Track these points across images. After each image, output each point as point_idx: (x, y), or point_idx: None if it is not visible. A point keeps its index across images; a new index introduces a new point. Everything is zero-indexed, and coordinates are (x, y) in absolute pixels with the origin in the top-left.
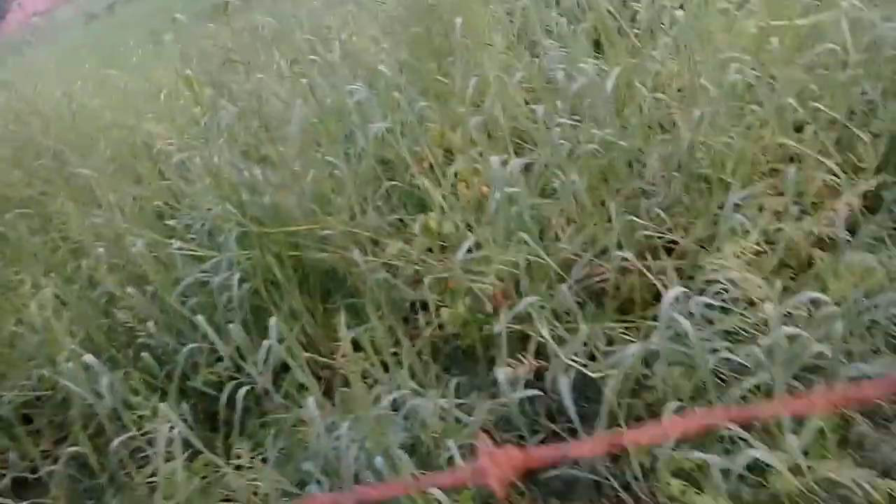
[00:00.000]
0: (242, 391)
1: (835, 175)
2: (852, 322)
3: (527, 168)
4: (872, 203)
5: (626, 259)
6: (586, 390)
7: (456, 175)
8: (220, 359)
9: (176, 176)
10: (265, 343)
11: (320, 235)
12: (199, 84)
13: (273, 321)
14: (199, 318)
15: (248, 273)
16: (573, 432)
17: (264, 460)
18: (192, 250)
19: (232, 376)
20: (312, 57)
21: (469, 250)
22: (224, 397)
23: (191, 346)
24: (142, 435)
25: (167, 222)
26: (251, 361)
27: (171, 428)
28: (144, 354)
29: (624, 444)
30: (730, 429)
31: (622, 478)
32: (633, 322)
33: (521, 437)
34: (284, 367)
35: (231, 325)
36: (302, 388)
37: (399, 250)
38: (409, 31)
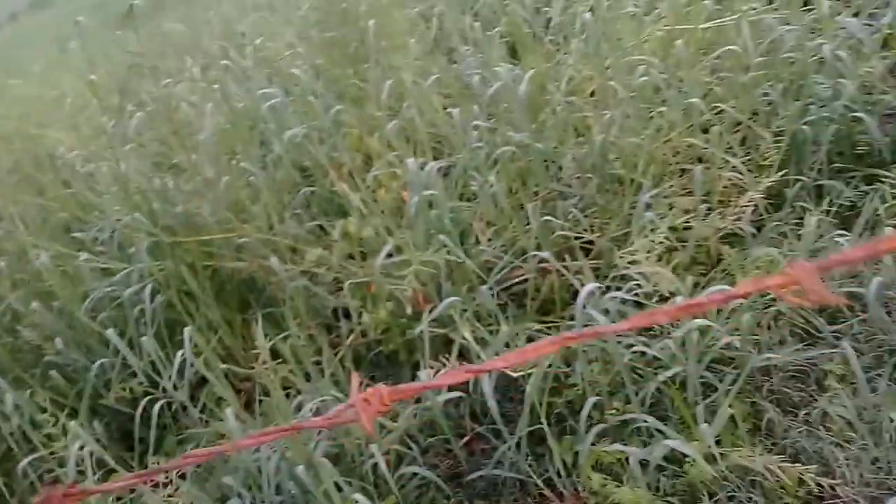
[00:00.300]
0: (157, 407)
1: (740, 173)
2: (759, 314)
3: (446, 172)
4: (776, 199)
5: (544, 260)
6: (509, 391)
7: (375, 179)
8: (133, 374)
9: (83, 186)
10: (180, 355)
11: (237, 244)
12: (106, 91)
13: (187, 331)
14: (110, 332)
15: (160, 284)
16: (497, 433)
17: (182, 476)
18: (101, 263)
19: (147, 392)
20: (225, 62)
21: (389, 255)
22: (138, 414)
23: (101, 361)
24: (52, 455)
25: (74, 234)
26: (166, 376)
27: (82, 447)
28: (52, 373)
29: (484, 370)
30: (646, 421)
31: (546, 475)
32: (554, 321)
33: (447, 441)
34: (202, 381)
35: (144, 339)
36: (221, 401)
37: (319, 257)
38: (324, 35)
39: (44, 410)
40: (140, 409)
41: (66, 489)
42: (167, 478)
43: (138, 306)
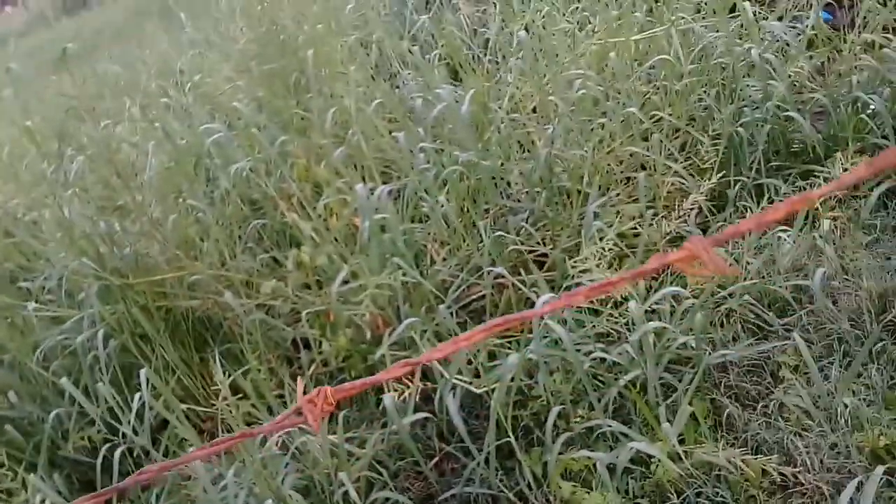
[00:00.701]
0: (118, 453)
1: (682, 178)
2: (711, 313)
3: (396, 196)
4: (718, 200)
5: (499, 275)
6: (475, 408)
7: (326, 207)
8: (92, 422)
9: (27, 235)
10: (138, 399)
11: (189, 282)
12: (44, 137)
13: (144, 373)
14: (64, 381)
15: (113, 329)
16: (466, 451)
17: None
18: (50, 311)
19: (107, 439)
20: (164, 100)
21: (345, 281)
22: (99, 462)
23: (56, 411)
24: None
25: (21, 284)
26: (126, 421)
27: (43, 501)
28: (7, 427)
29: (420, 363)
30: (610, 426)
31: (517, 488)
32: (513, 335)
33: (416, 463)
34: (163, 424)
35: (100, 385)
36: (183, 442)
37: (274, 289)
38: (263, 68)
39: (1, 465)
40: (101, 458)
41: None
42: None
43: (92, 353)
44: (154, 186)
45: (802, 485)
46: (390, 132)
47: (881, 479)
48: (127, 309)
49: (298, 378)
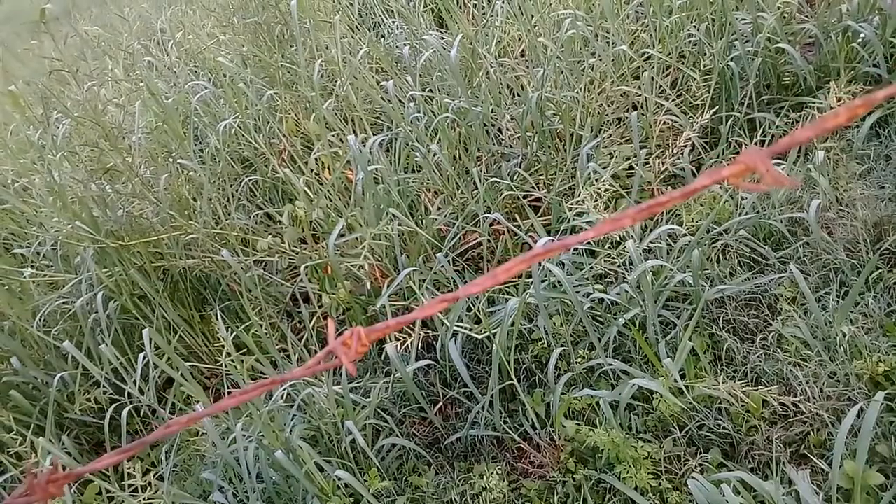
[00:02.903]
0: (125, 412)
1: (674, 116)
2: (708, 249)
3: (388, 147)
4: (711, 137)
5: (496, 221)
6: (476, 353)
7: (317, 161)
8: (97, 384)
9: (18, 201)
10: (142, 358)
11: (185, 242)
12: (28, 102)
13: (146, 333)
14: (67, 344)
15: (112, 291)
16: (469, 396)
17: (160, 478)
18: (47, 276)
19: (113, 399)
20: (148, 59)
21: (342, 234)
22: (107, 422)
23: (61, 374)
24: (24, 474)
25: (15, 251)
26: (131, 381)
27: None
28: (12, 392)
29: (458, 297)
30: (611, 364)
31: (521, 429)
32: (512, 281)
33: (421, 409)
34: (168, 383)
35: (102, 347)
36: (189, 399)
37: (270, 245)
38: (246, 22)
39: (9, 430)
40: (108, 418)
41: (48, 475)
42: (145, 482)
43: (92, 315)
44: (143, 147)
45: (803, 413)
46: (378, 82)
47: (881, 404)
48: (124, 271)
49: (328, 319)
